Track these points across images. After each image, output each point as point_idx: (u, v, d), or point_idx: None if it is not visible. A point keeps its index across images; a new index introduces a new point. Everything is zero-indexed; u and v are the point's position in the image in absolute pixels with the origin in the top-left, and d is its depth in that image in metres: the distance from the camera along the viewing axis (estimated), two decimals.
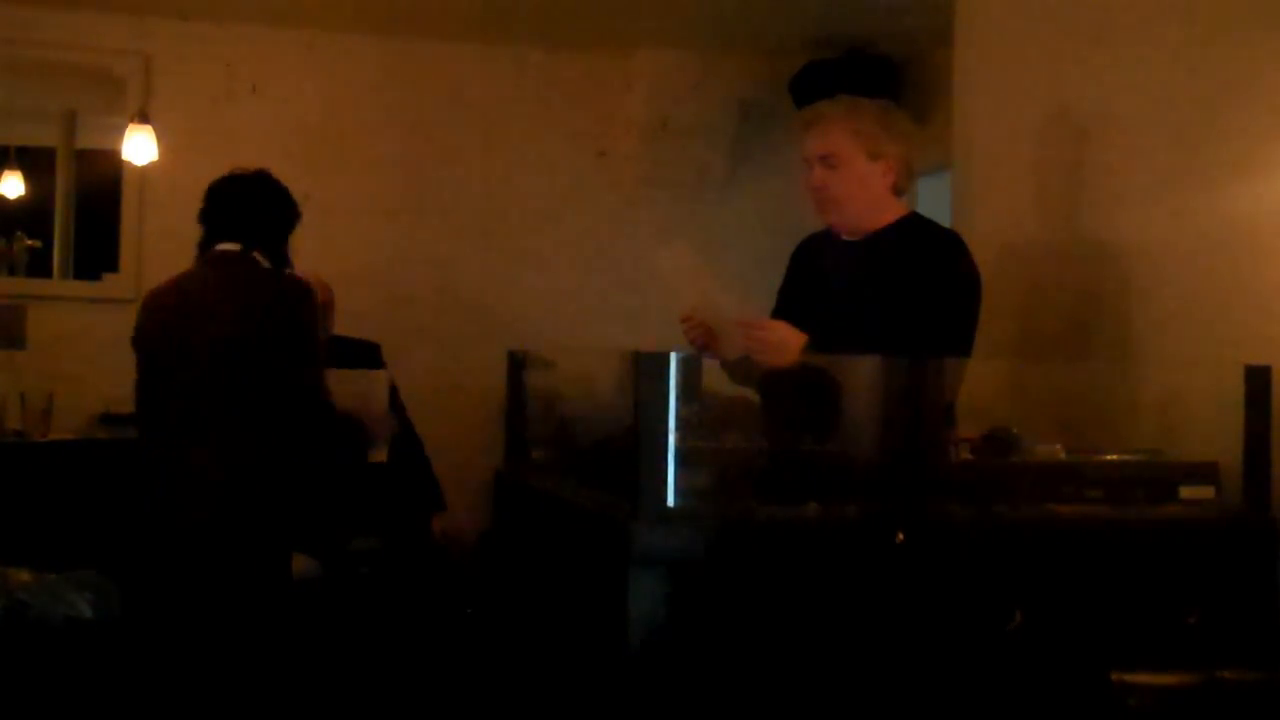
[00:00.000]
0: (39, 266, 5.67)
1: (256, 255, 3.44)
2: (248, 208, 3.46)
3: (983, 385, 3.15)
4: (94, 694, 3.45)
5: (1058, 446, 2.93)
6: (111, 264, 5.45)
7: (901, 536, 2.58)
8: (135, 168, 5.23)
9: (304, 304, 3.39)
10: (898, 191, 3.05)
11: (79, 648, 3.53)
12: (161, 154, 5.13)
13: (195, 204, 3.53)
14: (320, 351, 3.49)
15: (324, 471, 3.58)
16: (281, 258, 3.48)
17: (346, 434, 3.64)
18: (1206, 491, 2.85)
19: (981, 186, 3.96)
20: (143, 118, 5.14)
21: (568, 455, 3.35)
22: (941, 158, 4.13)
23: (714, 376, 3.04)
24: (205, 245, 3.46)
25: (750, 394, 3.11)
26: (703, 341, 2.96)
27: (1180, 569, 2.72)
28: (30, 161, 5.91)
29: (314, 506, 3.55)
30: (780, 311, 3.14)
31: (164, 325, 3.41)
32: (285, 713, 3.49)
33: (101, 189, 5.50)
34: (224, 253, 3.42)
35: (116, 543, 3.65)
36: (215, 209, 3.48)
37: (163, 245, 3.62)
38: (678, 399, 2.50)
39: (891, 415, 2.73)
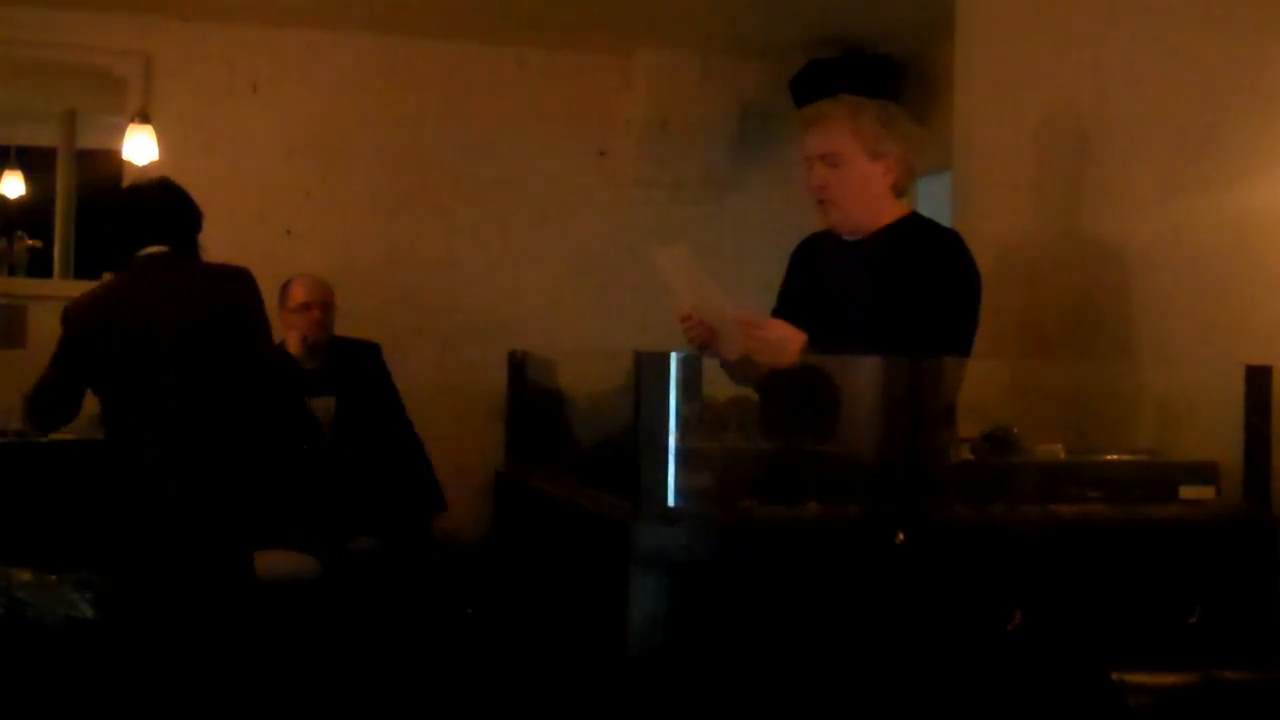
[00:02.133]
0: (39, 266, 5.67)
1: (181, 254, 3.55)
2: (166, 211, 3.55)
3: (983, 385, 3.15)
4: (94, 694, 3.45)
5: (1058, 446, 2.93)
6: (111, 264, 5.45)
7: (901, 536, 2.58)
8: (135, 168, 5.22)
9: (247, 284, 3.53)
10: (898, 191, 3.05)
11: (79, 648, 3.53)
12: (162, 154, 5.12)
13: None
14: (267, 322, 3.67)
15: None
16: (197, 254, 3.60)
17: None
18: (1206, 491, 2.85)
19: (981, 186, 3.96)
20: (143, 118, 5.14)
21: (568, 455, 3.35)
22: (941, 158, 4.13)
23: (714, 376, 3.03)
24: (126, 252, 3.53)
25: (750, 394, 3.11)
26: (703, 341, 2.95)
27: (1180, 569, 2.72)
28: (30, 161, 5.91)
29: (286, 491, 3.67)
30: (780, 311, 3.13)
31: (118, 329, 3.47)
32: (287, 713, 3.50)
33: (101, 189, 5.49)
34: (155, 255, 3.49)
35: (109, 542, 3.67)
36: (133, 218, 3.56)
37: None
38: (678, 399, 2.50)
39: (891, 415, 2.73)
